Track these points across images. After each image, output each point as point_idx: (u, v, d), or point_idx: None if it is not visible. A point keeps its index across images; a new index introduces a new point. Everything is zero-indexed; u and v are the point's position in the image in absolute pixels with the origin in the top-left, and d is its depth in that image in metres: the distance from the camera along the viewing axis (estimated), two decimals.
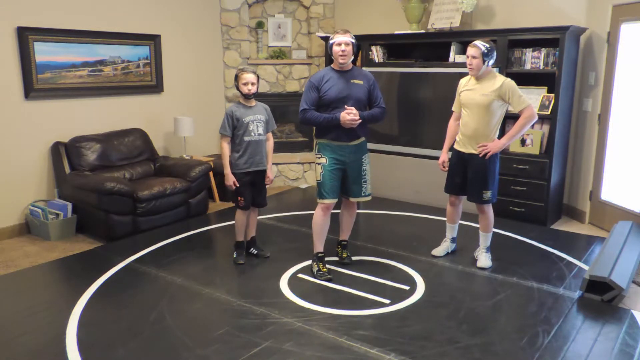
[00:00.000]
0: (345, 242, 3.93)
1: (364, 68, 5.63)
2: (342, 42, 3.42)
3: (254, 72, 3.71)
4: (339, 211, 3.86)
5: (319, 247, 3.67)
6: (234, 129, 3.72)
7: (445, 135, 3.91)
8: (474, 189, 3.69)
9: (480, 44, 3.47)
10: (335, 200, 3.58)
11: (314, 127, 3.59)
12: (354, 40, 3.46)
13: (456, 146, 3.77)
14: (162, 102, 5.72)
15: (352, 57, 3.49)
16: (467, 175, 3.71)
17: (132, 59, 5.34)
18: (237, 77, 3.70)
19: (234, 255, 3.96)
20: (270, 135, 3.93)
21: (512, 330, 2.94)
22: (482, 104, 3.53)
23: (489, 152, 3.56)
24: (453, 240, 4.07)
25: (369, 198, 3.70)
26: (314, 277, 3.61)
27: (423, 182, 5.43)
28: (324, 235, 3.66)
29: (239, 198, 3.79)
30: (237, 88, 3.73)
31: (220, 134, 3.75)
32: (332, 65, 3.56)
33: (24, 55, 4.46)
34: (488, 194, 3.65)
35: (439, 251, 4.03)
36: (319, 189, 3.58)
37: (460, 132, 3.72)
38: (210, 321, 3.07)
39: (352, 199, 3.68)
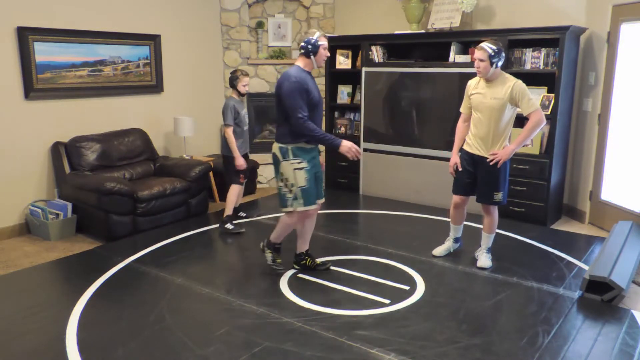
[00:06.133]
0: (308, 251, 3.81)
1: (363, 68, 5.67)
2: (326, 48, 3.48)
3: (248, 74, 4.66)
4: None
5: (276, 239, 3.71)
6: (234, 119, 4.54)
7: (450, 136, 3.88)
8: (484, 190, 3.67)
9: (487, 46, 3.42)
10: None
11: (284, 133, 3.42)
12: None
13: (466, 147, 3.72)
14: (162, 102, 5.72)
15: None
16: (476, 176, 3.69)
17: (132, 59, 5.34)
18: (237, 79, 4.56)
19: (230, 227, 4.60)
20: None
21: (512, 330, 2.94)
22: (494, 108, 3.49)
23: (500, 160, 3.53)
24: (456, 240, 4.06)
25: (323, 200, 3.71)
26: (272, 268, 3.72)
27: (423, 182, 5.43)
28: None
29: (242, 176, 4.65)
30: (235, 87, 4.58)
31: (226, 125, 4.51)
32: (302, 67, 3.43)
33: (24, 55, 4.46)
34: (499, 195, 3.64)
35: (439, 251, 4.02)
36: (304, 196, 3.43)
37: (472, 134, 3.67)
38: (210, 321, 3.07)
39: (319, 201, 3.61)
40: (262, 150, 6.47)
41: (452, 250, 4.05)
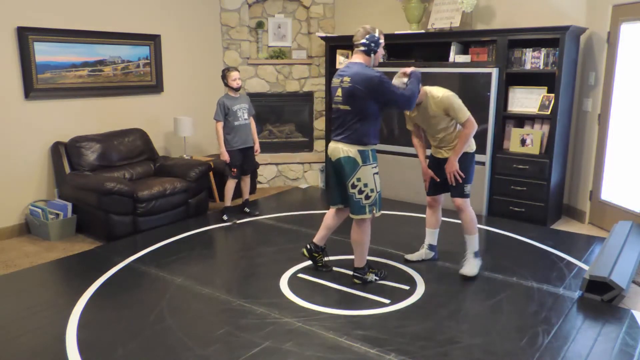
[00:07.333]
0: (325, 247, 3.79)
1: None
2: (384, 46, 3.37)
3: (237, 69, 4.87)
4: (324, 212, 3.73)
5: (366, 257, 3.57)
6: (225, 115, 4.76)
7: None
8: (455, 186, 3.65)
9: (400, 80, 3.38)
10: None
11: (365, 134, 3.27)
12: None
13: (432, 152, 3.78)
14: (162, 102, 5.72)
15: None
16: (444, 175, 3.68)
17: (132, 59, 5.34)
18: (225, 76, 4.80)
19: (225, 218, 4.89)
20: (252, 118, 5.01)
21: (512, 330, 2.94)
22: (436, 121, 3.54)
23: (454, 171, 3.56)
24: (431, 248, 3.94)
25: None
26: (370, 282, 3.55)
27: (423, 182, 5.41)
28: None
29: (233, 169, 4.83)
30: (227, 84, 4.81)
31: (215, 120, 4.79)
32: (365, 64, 3.29)
33: (24, 55, 4.46)
34: (468, 187, 3.65)
35: (413, 256, 3.94)
36: (378, 201, 3.36)
37: (431, 145, 3.74)
38: (210, 321, 3.07)
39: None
40: (262, 150, 6.46)
41: (427, 259, 3.93)
